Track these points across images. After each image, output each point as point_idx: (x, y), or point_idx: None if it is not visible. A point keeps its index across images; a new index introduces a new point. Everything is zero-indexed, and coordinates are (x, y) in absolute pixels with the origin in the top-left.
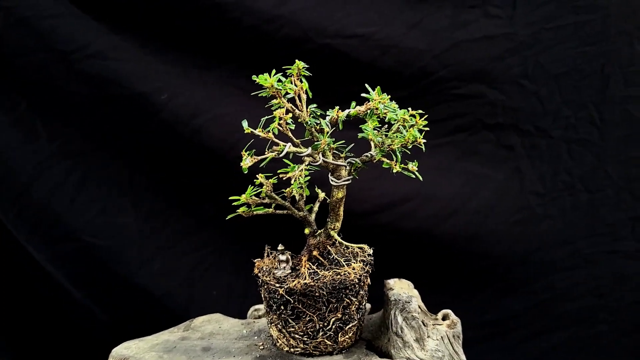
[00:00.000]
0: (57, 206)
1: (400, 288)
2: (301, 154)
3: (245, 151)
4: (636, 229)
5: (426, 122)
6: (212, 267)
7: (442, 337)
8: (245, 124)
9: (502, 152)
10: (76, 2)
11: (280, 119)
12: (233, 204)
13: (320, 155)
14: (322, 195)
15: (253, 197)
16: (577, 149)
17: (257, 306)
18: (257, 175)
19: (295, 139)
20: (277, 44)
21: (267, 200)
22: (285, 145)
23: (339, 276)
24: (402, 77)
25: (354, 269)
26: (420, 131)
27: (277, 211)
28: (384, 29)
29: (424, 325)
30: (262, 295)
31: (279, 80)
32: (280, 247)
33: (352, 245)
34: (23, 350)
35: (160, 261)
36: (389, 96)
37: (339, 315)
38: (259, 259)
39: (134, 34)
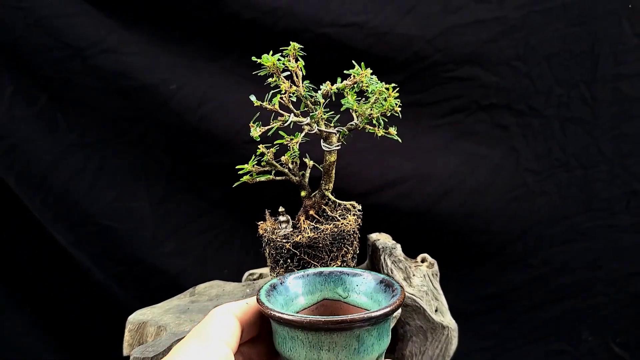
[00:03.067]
0: (77, 192)
1: (384, 238)
2: (301, 123)
3: (254, 122)
4: (631, 203)
5: (398, 94)
6: (223, 246)
7: (424, 275)
8: (253, 97)
9: (497, 132)
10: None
11: (285, 91)
12: (239, 172)
13: (316, 124)
14: (310, 163)
15: (255, 166)
16: (570, 127)
17: (251, 270)
18: (258, 146)
19: (295, 110)
20: (276, 34)
21: (267, 168)
22: (289, 116)
23: (337, 228)
24: (397, 62)
25: (349, 221)
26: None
27: (277, 177)
28: (378, 16)
29: (409, 267)
30: (267, 253)
31: (279, 59)
32: (280, 209)
33: (344, 202)
34: (52, 325)
35: (174, 242)
36: (371, 70)
37: (339, 263)
38: (261, 222)
39: (143, 30)
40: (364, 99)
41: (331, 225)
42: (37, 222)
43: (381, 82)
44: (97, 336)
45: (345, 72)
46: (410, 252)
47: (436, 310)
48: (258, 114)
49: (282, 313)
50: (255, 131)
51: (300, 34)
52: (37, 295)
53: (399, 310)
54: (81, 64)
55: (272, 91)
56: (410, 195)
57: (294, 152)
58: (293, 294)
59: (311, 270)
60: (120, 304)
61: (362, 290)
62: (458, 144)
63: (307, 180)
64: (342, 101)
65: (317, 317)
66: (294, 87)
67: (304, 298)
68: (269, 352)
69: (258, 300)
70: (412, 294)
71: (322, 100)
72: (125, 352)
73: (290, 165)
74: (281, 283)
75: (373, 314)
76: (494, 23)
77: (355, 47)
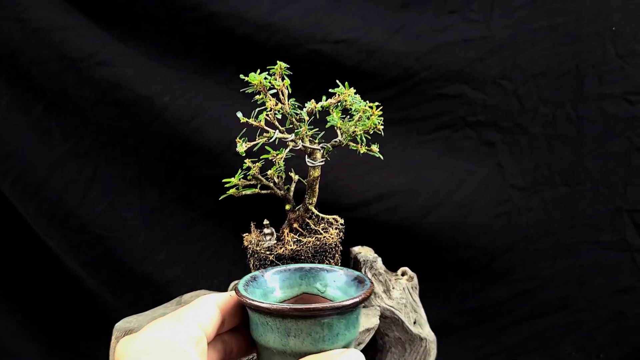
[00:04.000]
0: (70, 201)
1: (366, 252)
2: (286, 139)
3: (240, 138)
4: (615, 220)
5: (381, 112)
6: (213, 257)
7: (403, 288)
8: (240, 114)
9: (484, 148)
10: (85, 12)
11: (271, 109)
12: (225, 185)
13: (300, 140)
14: (296, 177)
15: (242, 179)
16: (555, 145)
17: (237, 280)
18: (244, 160)
19: (280, 127)
20: (269, 50)
21: (253, 182)
22: (274, 132)
23: (319, 241)
24: (386, 79)
25: (331, 235)
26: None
27: (262, 191)
28: (369, 34)
29: (389, 280)
30: (252, 265)
31: (265, 78)
32: (265, 221)
33: (327, 216)
34: (43, 332)
35: (165, 251)
36: (354, 90)
37: None
38: (246, 234)
39: (139, 43)
40: (348, 116)
41: (313, 239)
42: (30, 229)
43: (365, 100)
44: (88, 343)
45: (330, 90)
46: (397, 266)
47: (415, 323)
48: (244, 129)
49: (254, 300)
50: (241, 147)
51: (292, 49)
52: (29, 301)
53: (377, 322)
54: (76, 75)
55: (258, 108)
56: (397, 209)
57: (279, 167)
58: (272, 287)
59: (292, 266)
60: (111, 312)
61: (338, 285)
62: (445, 160)
63: (291, 194)
64: (328, 118)
65: (285, 304)
66: (280, 105)
67: (283, 291)
68: (248, 342)
69: (236, 289)
70: (391, 306)
71: (306, 118)
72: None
73: (276, 180)
74: (261, 275)
75: (337, 304)
76: (481, 42)
77: (346, 64)
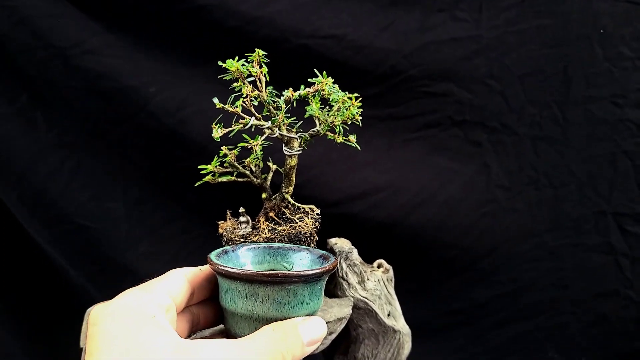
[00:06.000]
0: (53, 191)
1: (342, 243)
2: (262, 127)
3: (216, 124)
4: (599, 223)
5: (360, 103)
6: (196, 251)
7: (378, 279)
8: (216, 100)
9: (470, 148)
10: (74, 2)
11: (246, 96)
12: (201, 172)
13: (277, 128)
14: (274, 166)
15: (218, 167)
16: (541, 146)
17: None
18: (221, 147)
19: (257, 114)
20: (257, 43)
21: (229, 169)
22: (250, 119)
23: (294, 230)
24: (374, 75)
25: (306, 224)
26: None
27: (238, 179)
28: (357, 30)
29: (364, 271)
30: None
31: (243, 65)
32: (241, 209)
33: (303, 205)
34: (22, 320)
35: (148, 244)
36: (333, 79)
37: None
38: (222, 221)
39: (127, 33)
40: (328, 107)
41: (288, 227)
42: (12, 218)
43: (345, 92)
44: (68, 333)
45: (309, 80)
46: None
47: (389, 315)
48: (220, 115)
49: (226, 266)
50: (217, 132)
51: (280, 43)
52: (8, 291)
53: (349, 312)
54: (63, 64)
55: (234, 94)
56: (381, 206)
57: (256, 155)
58: (242, 262)
59: (262, 244)
60: (93, 302)
61: (304, 263)
62: (431, 159)
63: (268, 183)
64: (307, 108)
65: (254, 270)
66: (256, 92)
67: (252, 266)
68: (214, 313)
69: (208, 258)
70: (364, 297)
71: (283, 106)
72: (82, 344)
73: (253, 168)
74: (232, 250)
75: (302, 272)
76: (469, 41)
77: (333, 59)
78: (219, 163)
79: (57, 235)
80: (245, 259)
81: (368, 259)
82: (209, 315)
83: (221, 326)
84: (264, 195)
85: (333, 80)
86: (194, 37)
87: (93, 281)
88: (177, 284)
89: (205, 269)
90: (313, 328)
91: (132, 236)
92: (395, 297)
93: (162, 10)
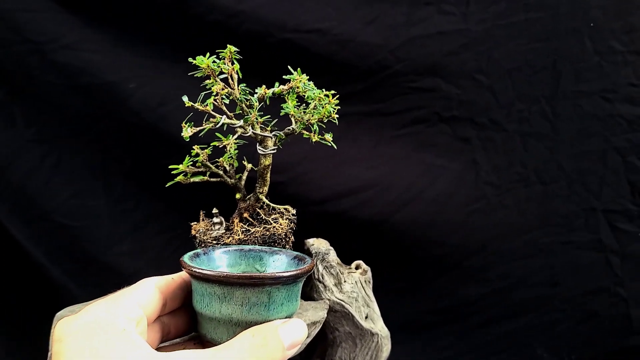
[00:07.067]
0: (33, 188)
1: (320, 244)
2: (234, 126)
3: (185, 123)
4: (589, 220)
5: (337, 101)
6: (179, 249)
7: (355, 281)
8: (185, 98)
9: (458, 144)
10: None
11: (217, 94)
12: (172, 172)
13: (250, 127)
14: (249, 166)
15: (190, 167)
16: (530, 142)
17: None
18: (193, 147)
19: (229, 112)
20: (240, 38)
21: (202, 169)
22: (221, 117)
23: (268, 232)
24: (360, 70)
25: (281, 225)
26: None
27: (211, 179)
28: (342, 24)
29: (341, 273)
30: None
31: (214, 62)
32: (214, 210)
33: (278, 206)
34: (2, 320)
35: (130, 242)
36: (307, 77)
37: None
38: (195, 222)
39: (106, 28)
40: (305, 104)
41: (262, 228)
42: None
43: (322, 89)
44: (49, 332)
45: (284, 77)
46: (367, 263)
47: (367, 317)
48: (191, 114)
49: (202, 269)
50: (186, 132)
51: (264, 38)
52: None
53: (324, 315)
54: (41, 59)
55: (204, 92)
56: (368, 204)
57: (230, 154)
58: (217, 265)
59: (233, 247)
60: (74, 301)
61: (278, 265)
62: (419, 155)
63: (243, 183)
64: (282, 106)
65: (232, 272)
66: (227, 89)
67: (227, 269)
68: (185, 323)
69: (181, 261)
70: (341, 300)
71: (256, 104)
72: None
73: (227, 167)
74: (204, 253)
75: (280, 274)
76: (457, 35)
77: (318, 53)
78: (191, 163)
79: (38, 233)
80: (220, 261)
81: (355, 257)
82: (180, 324)
83: (193, 334)
84: (238, 196)
85: (308, 77)
86: (175, 31)
87: (75, 280)
88: (147, 294)
89: (177, 277)
90: (294, 330)
91: (114, 234)
92: (373, 299)
93: (142, 3)
